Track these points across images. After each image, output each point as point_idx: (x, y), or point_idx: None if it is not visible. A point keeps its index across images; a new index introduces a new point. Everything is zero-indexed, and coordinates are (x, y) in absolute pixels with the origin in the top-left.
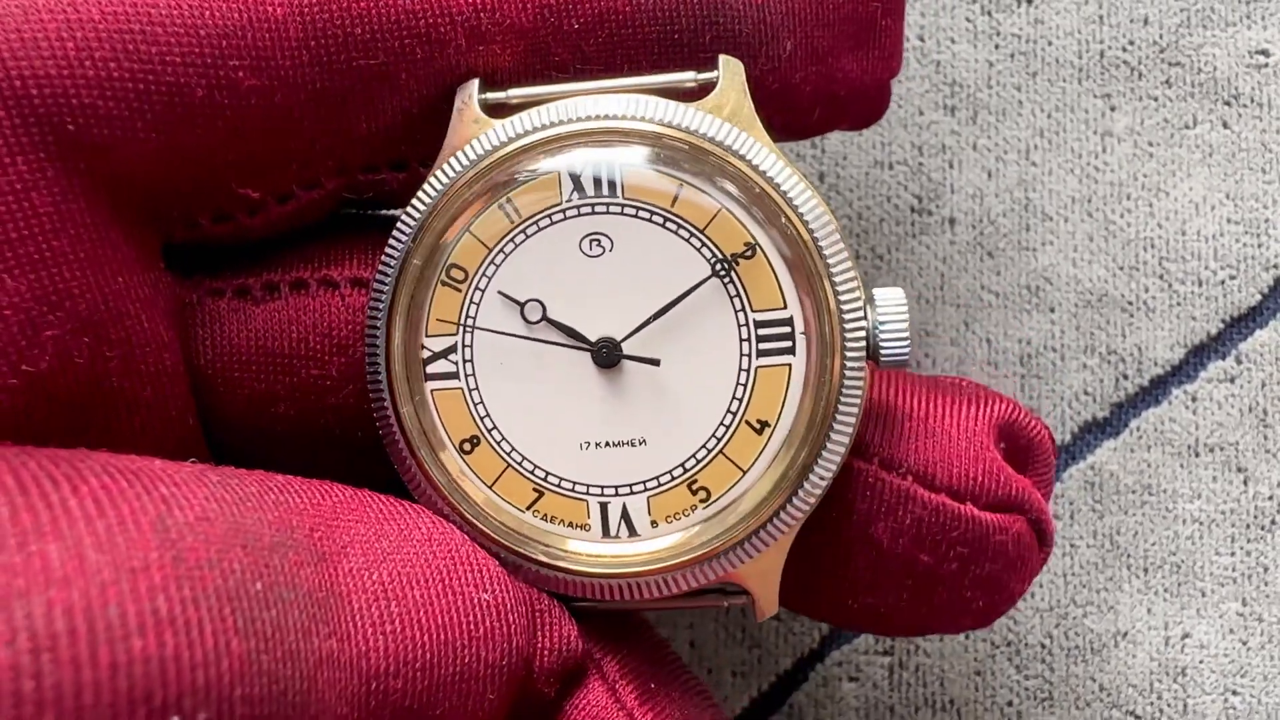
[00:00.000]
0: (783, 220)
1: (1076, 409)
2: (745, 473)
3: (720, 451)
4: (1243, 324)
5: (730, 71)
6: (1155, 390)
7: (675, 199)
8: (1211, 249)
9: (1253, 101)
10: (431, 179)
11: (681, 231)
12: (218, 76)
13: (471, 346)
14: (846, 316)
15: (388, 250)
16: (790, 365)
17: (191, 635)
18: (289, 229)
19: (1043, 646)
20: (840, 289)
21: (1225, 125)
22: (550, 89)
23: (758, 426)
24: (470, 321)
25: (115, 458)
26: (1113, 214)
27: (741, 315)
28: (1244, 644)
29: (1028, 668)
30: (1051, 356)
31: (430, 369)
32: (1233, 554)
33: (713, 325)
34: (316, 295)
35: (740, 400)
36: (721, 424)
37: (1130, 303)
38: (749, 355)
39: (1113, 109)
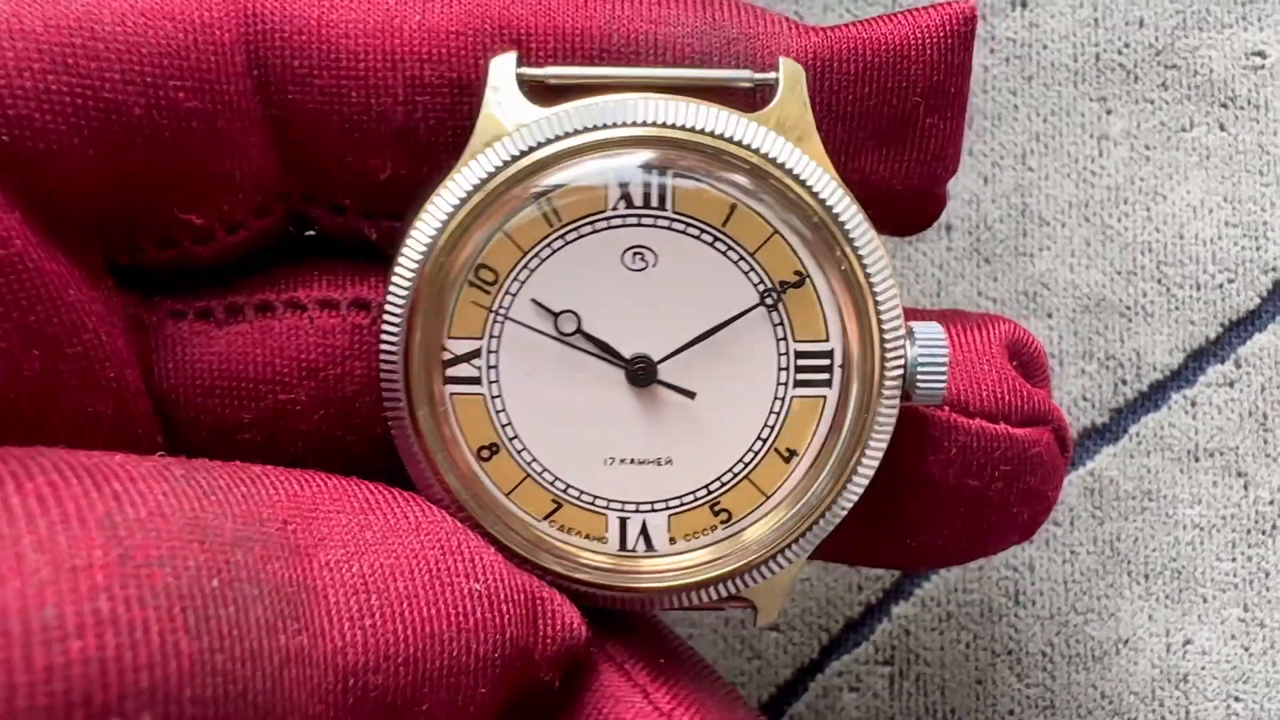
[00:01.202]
0: (838, 253)
1: (1075, 415)
2: (768, 498)
3: (746, 476)
4: (1241, 328)
5: (791, 78)
6: (1154, 395)
7: (728, 218)
8: (1209, 252)
9: (1249, 103)
10: (465, 169)
11: (731, 253)
12: (157, 96)
13: (497, 352)
14: (889, 352)
15: (411, 242)
16: (825, 398)
17: (135, 635)
18: (240, 258)
19: (1044, 654)
20: (886, 324)
21: (1222, 128)
22: (592, 71)
23: (786, 455)
24: (497, 326)
25: (70, 454)
26: (1110, 218)
27: (783, 344)
28: (1246, 650)
29: (1029, 676)
30: (1050, 362)
31: (451, 372)
32: (1234, 559)
33: (752, 353)
34: (283, 318)
35: (772, 429)
36: (750, 449)
37: (1128, 308)
38: (785, 385)
39: (1109, 112)
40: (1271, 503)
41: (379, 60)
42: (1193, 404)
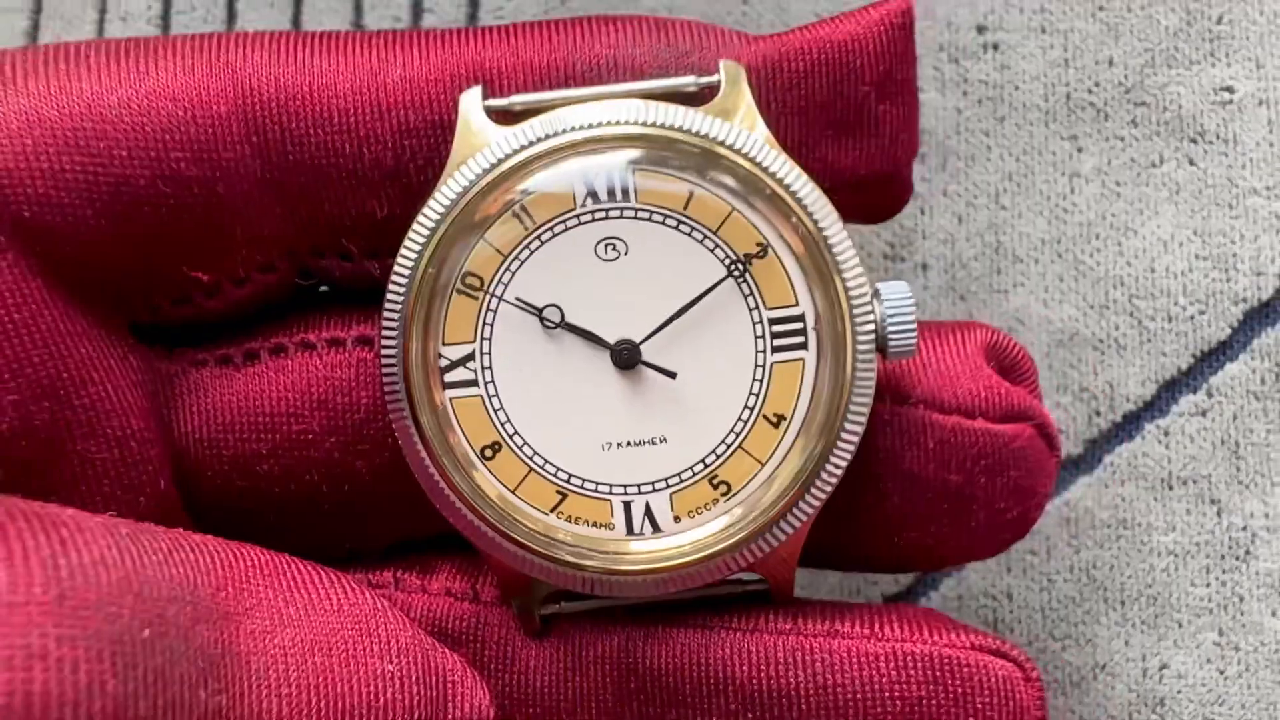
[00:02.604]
0: (793, 219)
1: None
2: (764, 465)
3: (739, 446)
4: (1213, 358)
5: (731, 76)
6: (1128, 426)
7: (688, 202)
8: (1180, 285)
9: (1218, 138)
10: (443, 187)
11: (695, 234)
12: (161, 167)
13: (490, 354)
14: (856, 311)
15: (401, 259)
16: (804, 360)
17: (64, 672)
18: (253, 309)
19: None
20: (850, 284)
21: (1191, 162)
22: (550, 95)
23: (774, 420)
24: (488, 329)
25: (23, 502)
26: (1082, 254)
27: (756, 313)
28: (1221, 673)
29: None
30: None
31: (449, 377)
32: (1208, 585)
33: (729, 324)
34: (294, 357)
35: (757, 395)
36: (740, 419)
37: (1101, 341)
38: (764, 352)
39: (1080, 150)
40: (1244, 529)
41: (368, 113)
42: (1166, 434)
